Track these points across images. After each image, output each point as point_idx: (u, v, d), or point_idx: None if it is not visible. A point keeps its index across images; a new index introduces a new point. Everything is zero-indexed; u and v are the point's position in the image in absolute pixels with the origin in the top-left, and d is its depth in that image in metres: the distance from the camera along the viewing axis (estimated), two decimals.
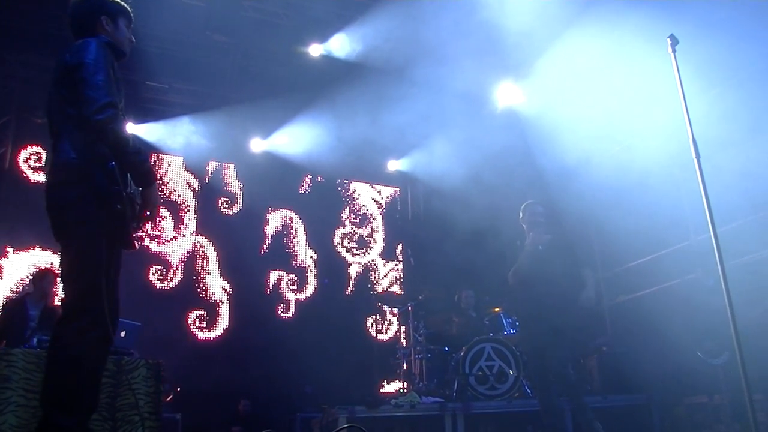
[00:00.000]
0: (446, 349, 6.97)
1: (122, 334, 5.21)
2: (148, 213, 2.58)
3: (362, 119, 8.26)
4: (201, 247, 9.03)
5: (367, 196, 10.26)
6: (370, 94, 7.84)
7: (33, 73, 8.08)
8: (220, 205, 9.36)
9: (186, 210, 9.11)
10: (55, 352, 2.45)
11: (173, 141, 8.73)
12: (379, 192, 10.42)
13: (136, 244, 2.62)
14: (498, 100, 8.67)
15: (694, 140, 3.50)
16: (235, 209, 9.47)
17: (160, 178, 8.98)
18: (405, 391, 6.67)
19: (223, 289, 8.99)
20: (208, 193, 9.30)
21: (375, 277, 9.90)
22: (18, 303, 5.89)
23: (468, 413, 5.94)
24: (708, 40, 5.30)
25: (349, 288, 9.71)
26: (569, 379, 4.59)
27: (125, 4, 3.00)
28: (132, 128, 8.54)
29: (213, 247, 9.10)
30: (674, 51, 3.64)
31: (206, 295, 8.89)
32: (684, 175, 6.03)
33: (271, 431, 3.71)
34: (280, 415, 7.63)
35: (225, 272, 9.05)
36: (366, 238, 10.08)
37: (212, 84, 8.78)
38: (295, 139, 9.07)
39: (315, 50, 8.36)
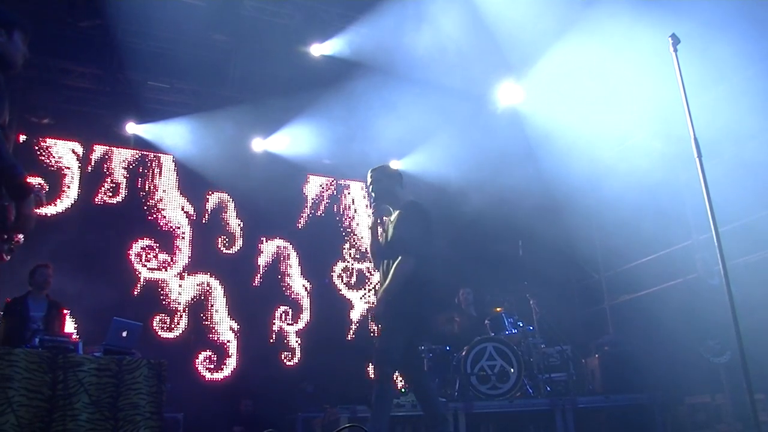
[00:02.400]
0: (448, 348, 6.97)
1: (124, 334, 5.21)
2: (24, 227, 2.52)
3: (362, 119, 8.26)
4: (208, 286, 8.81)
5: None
6: (370, 93, 7.84)
7: (33, 73, 8.07)
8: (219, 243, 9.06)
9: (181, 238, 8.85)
10: None
11: (172, 141, 8.72)
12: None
13: (5, 257, 2.56)
14: (499, 100, 8.67)
15: (695, 139, 3.49)
16: (235, 247, 9.15)
17: (156, 205, 8.80)
18: (407, 390, 6.66)
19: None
20: (206, 230, 9.01)
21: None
22: (19, 303, 5.86)
23: (470, 412, 5.94)
24: (708, 40, 5.30)
25: (349, 334, 9.61)
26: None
27: (23, 19, 2.84)
28: (133, 128, 8.55)
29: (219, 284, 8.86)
30: (675, 50, 3.64)
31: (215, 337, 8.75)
32: (686, 174, 6.02)
33: (273, 431, 3.71)
34: (282, 415, 7.62)
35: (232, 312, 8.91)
36: (365, 273, 9.85)
37: (213, 84, 8.78)
38: (295, 138, 9.06)
39: (316, 50, 8.36)
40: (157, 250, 8.61)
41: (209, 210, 9.10)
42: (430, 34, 7.36)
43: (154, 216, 8.75)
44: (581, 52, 6.74)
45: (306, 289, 9.41)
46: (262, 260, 9.26)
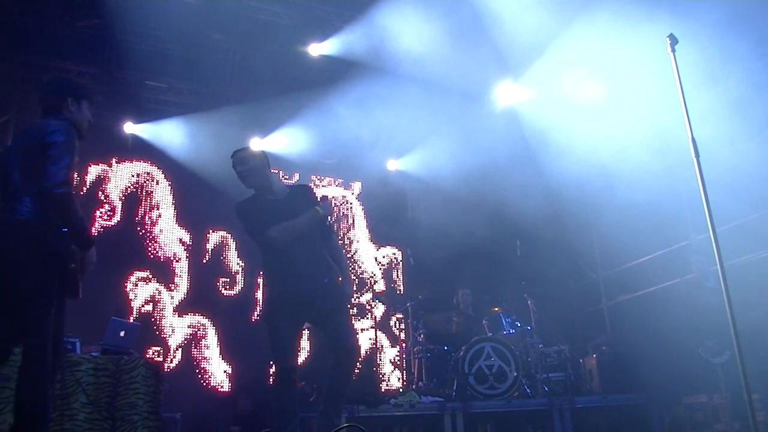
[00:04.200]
0: (445, 348, 6.98)
1: (122, 333, 5.21)
2: (87, 269, 3.12)
3: (362, 118, 8.25)
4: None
5: (365, 196, 10.24)
6: (369, 93, 7.84)
7: (32, 73, 8.07)
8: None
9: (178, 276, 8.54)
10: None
11: (171, 141, 8.70)
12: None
13: (80, 294, 3.11)
14: (497, 100, 8.67)
15: (693, 139, 3.50)
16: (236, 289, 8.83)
17: (152, 232, 8.50)
18: (405, 390, 6.67)
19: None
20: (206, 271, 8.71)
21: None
22: None
23: (467, 412, 5.94)
24: (707, 40, 5.31)
25: None
26: None
27: (85, 88, 3.46)
28: (131, 128, 8.53)
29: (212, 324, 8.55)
30: (673, 50, 3.65)
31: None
32: (684, 174, 6.02)
33: (271, 431, 3.71)
34: None
35: None
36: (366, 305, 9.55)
37: (211, 83, 8.77)
38: (294, 138, 9.05)
39: (314, 50, 8.36)
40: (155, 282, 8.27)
41: (209, 250, 8.80)
42: (428, 33, 7.37)
43: (152, 247, 8.42)
44: (580, 51, 6.75)
45: None
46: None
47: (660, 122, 7.07)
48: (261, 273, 4.01)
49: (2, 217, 3.00)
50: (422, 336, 7.09)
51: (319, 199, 4.06)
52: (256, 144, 9.11)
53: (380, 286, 9.67)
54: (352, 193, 10.08)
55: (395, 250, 9.96)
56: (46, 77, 7.71)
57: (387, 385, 8.95)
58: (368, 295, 7.84)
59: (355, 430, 3.83)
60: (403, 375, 7.54)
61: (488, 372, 6.27)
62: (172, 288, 8.43)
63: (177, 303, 8.40)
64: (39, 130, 3.04)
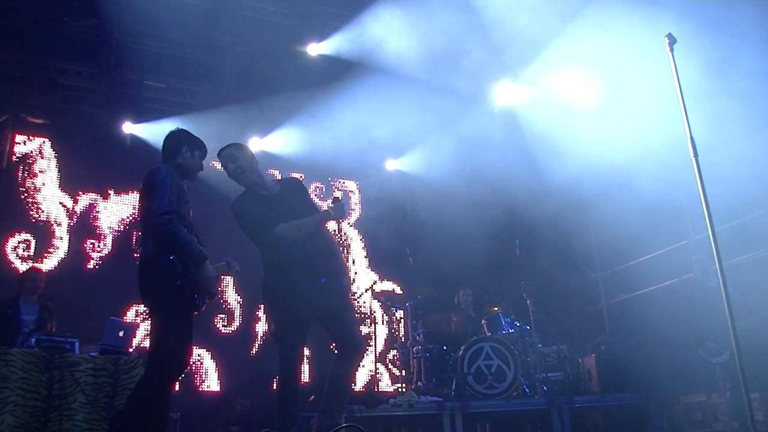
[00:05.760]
0: (445, 348, 6.97)
1: (120, 333, 5.21)
2: (208, 287, 3.50)
3: (361, 118, 8.25)
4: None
5: (365, 195, 10.24)
6: (368, 93, 7.83)
7: (31, 73, 8.06)
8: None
9: None
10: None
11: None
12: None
13: (204, 306, 3.52)
14: (496, 100, 8.67)
15: (692, 139, 3.50)
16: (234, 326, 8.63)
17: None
18: (404, 390, 6.67)
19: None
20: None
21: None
22: (9, 305, 5.76)
23: (466, 412, 5.94)
24: (706, 39, 5.31)
25: None
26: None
27: (201, 141, 3.89)
28: (130, 128, 8.50)
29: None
30: (672, 50, 3.65)
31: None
32: (683, 174, 6.03)
33: (270, 430, 3.71)
34: None
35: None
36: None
37: (210, 83, 8.76)
38: (293, 138, 9.05)
39: (313, 49, 8.36)
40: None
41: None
42: (427, 33, 7.36)
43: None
44: (579, 51, 6.75)
45: None
46: None
47: (659, 121, 7.07)
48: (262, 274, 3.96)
49: (141, 252, 3.56)
50: (421, 336, 7.09)
51: (333, 199, 4.01)
52: (255, 144, 9.12)
53: (380, 286, 9.66)
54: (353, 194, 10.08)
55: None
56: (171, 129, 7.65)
57: (386, 385, 8.96)
58: (367, 295, 7.81)
59: (354, 430, 3.82)
60: (402, 375, 7.53)
61: (487, 372, 6.27)
62: None
63: None
64: (150, 177, 3.52)
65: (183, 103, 8.83)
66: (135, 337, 5.58)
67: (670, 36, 3.65)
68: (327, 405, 3.78)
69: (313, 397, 6.76)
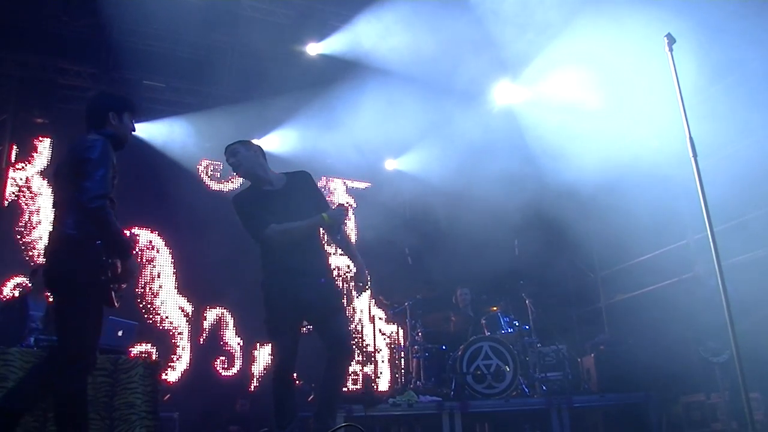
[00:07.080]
0: (444, 347, 6.97)
1: (119, 333, 5.20)
2: (127, 278, 3.30)
3: (360, 118, 8.25)
4: None
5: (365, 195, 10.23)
6: (367, 92, 7.83)
7: (30, 73, 8.05)
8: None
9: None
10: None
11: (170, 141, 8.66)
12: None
13: (116, 303, 3.29)
14: (495, 99, 8.67)
15: (691, 139, 3.50)
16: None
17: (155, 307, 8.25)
18: (403, 389, 6.66)
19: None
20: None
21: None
22: (18, 301, 5.83)
23: (465, 412, 5.94)
24: (705, 39, 5.31)
25: None
26: None
27: (130, 99, 3.61)
28: None
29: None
30: (671, 50, 3.65)
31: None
32: (682, 174, 6.03)
33: (269, 430, 3.71)
34: None
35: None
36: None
37: (209, 83, 8.76)
38: (292, 138, 9.04)
39: (312, 49, 8.35)
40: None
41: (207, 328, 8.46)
42: (427, 32, 7.36)
43: (152, 317, 8.16)
44: (578, 51, 6.75)
45: None
46: None
47: (658, 121, 7.07)
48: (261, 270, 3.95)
49: (56, 227, 3.26)
50: (420, 335, 7.09)
51: (334, 205, 3.95)
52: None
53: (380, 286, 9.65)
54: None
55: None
56: (91, 93, 7.62)
57: (385, 384, 8.95)
58: (366, 294, 7.80)
59: (353, 429, 3.81)
60: (401, 374, 7.53)
61: (486, 371, 6.27)
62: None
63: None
64: (77, 146, 3.24)
65: (182, 102, 8.83)
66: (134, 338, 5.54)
67: (669, 36, 3.65)
68: (319, 408, 3.77)
69: (312, 397, 6.77)
